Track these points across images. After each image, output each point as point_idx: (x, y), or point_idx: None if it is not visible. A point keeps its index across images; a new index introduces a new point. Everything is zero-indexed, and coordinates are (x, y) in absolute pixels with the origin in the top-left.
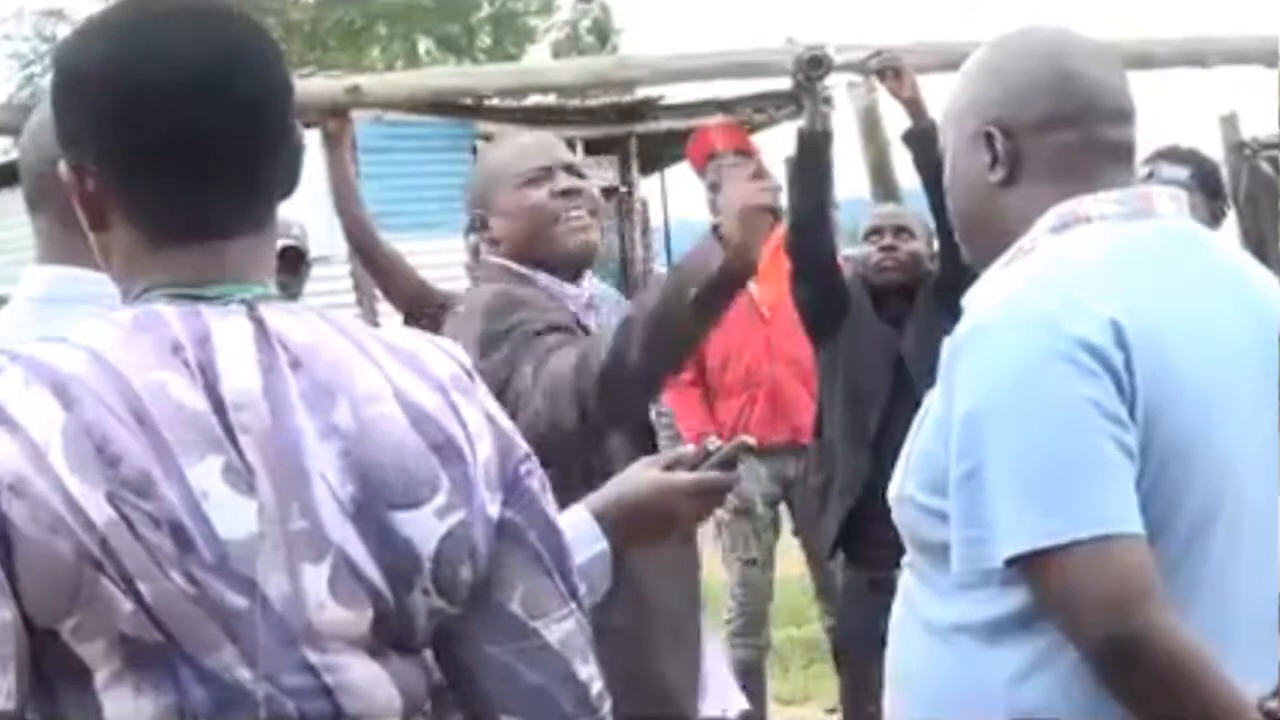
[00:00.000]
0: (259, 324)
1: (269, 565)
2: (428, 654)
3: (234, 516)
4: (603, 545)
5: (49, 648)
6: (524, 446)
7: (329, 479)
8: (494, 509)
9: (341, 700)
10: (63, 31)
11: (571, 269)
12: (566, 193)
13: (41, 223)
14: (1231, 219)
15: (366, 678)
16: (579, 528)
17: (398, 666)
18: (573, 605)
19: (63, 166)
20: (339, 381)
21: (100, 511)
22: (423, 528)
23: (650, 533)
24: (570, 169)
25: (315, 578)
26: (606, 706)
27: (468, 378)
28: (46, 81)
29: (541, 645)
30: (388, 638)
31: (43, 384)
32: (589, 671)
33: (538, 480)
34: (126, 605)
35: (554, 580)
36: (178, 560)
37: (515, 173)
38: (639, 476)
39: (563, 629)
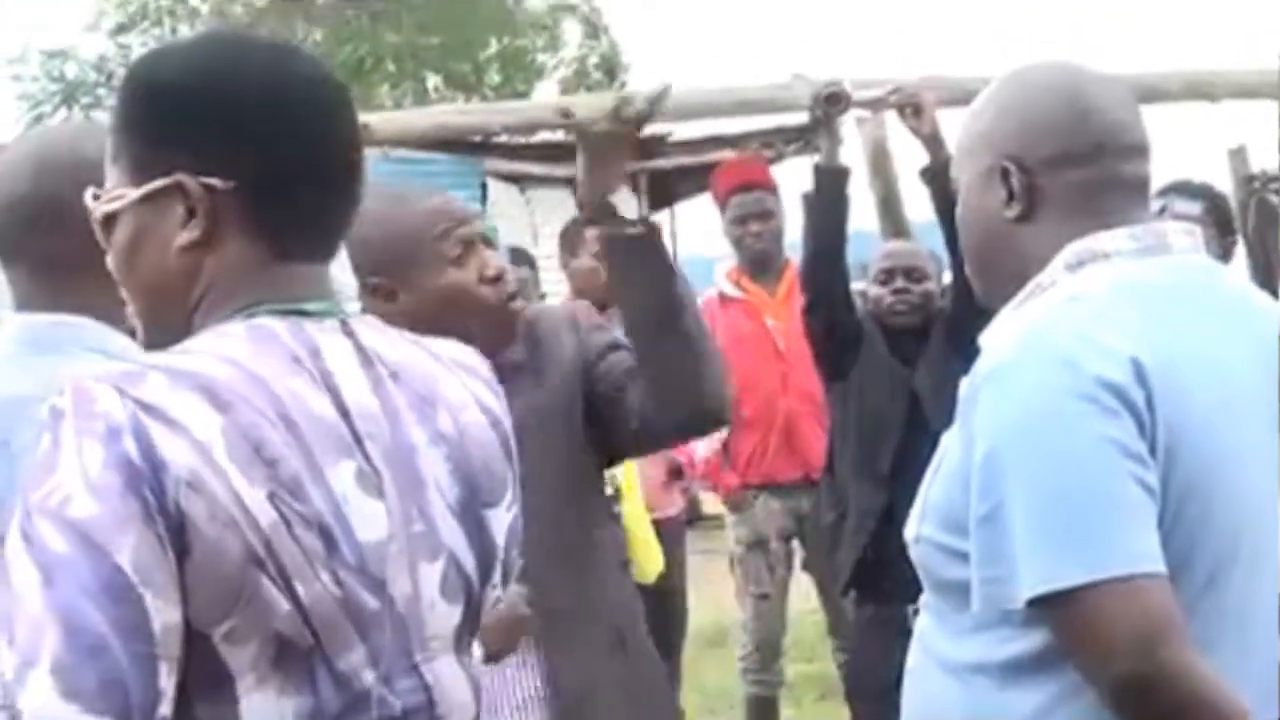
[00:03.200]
0: (354, 339)
1: (397, 567)
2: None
3: (369, 519)
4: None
5: (198, 656)
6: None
7: (440, 483)
8: (518, 507)
9: (436, 698)
10: (70, 71)
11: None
12: (496, 278)
13: (14, 273)
14: (1240, 252)
15: (452, 677)
16: None
17: (467, 665)
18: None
19: (89, 198)
20: (435, 392)
21: (264, 512)
22: (500, 522)
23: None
24: (487, 241)
25: (430, 577)
26: None
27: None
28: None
29: None
30: (465, 633)
31: (190, 389)
32: None
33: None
34: (284, 606)
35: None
36: (326, 561)
37: (437, 250)
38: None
39: None
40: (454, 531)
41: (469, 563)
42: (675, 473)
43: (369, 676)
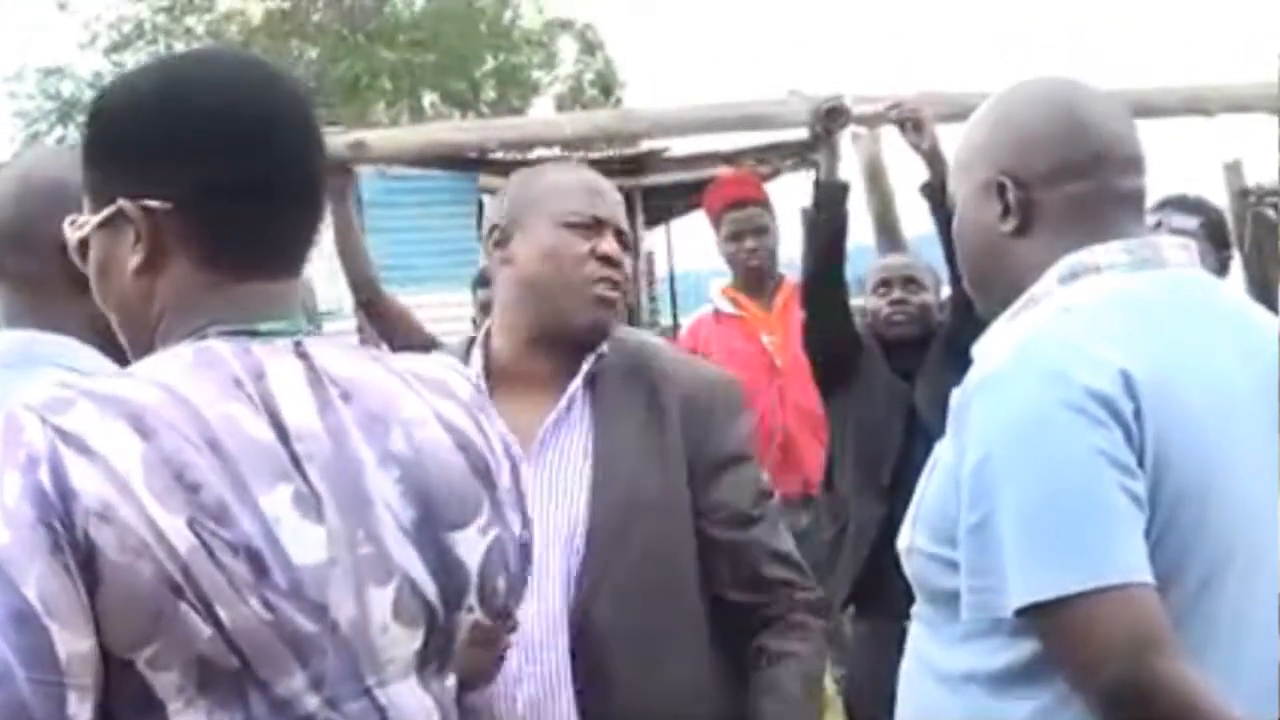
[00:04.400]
0: (306, 359)
1: (340, 591)
2: (452, 681)
3: (305, 543)
4: None
5: (123, 680)
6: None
7: (391, 503)
8: (517, 528)
9: None
10: (66, 89)
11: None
12: (607, 259)
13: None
14: (1237, 266)
15: (413, 703)
16: None
17: (437, 690)
18: None
19: (67, 225)
20: (388, 410)
21: (182, 538)
22: (471, 545)
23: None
24: (621, 236)
25: (381, 601)
26: None
27: (484, 398)
28: (52, 138)
29: None
30: (431, 658)
31: (116, 416)
32: None
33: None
34: (205, 630)
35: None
36: (254, 586)
37: (563, 209)
38: None
39: None
40: (408, 553)
41: (428, 586)
42: None
43: (312, 700)
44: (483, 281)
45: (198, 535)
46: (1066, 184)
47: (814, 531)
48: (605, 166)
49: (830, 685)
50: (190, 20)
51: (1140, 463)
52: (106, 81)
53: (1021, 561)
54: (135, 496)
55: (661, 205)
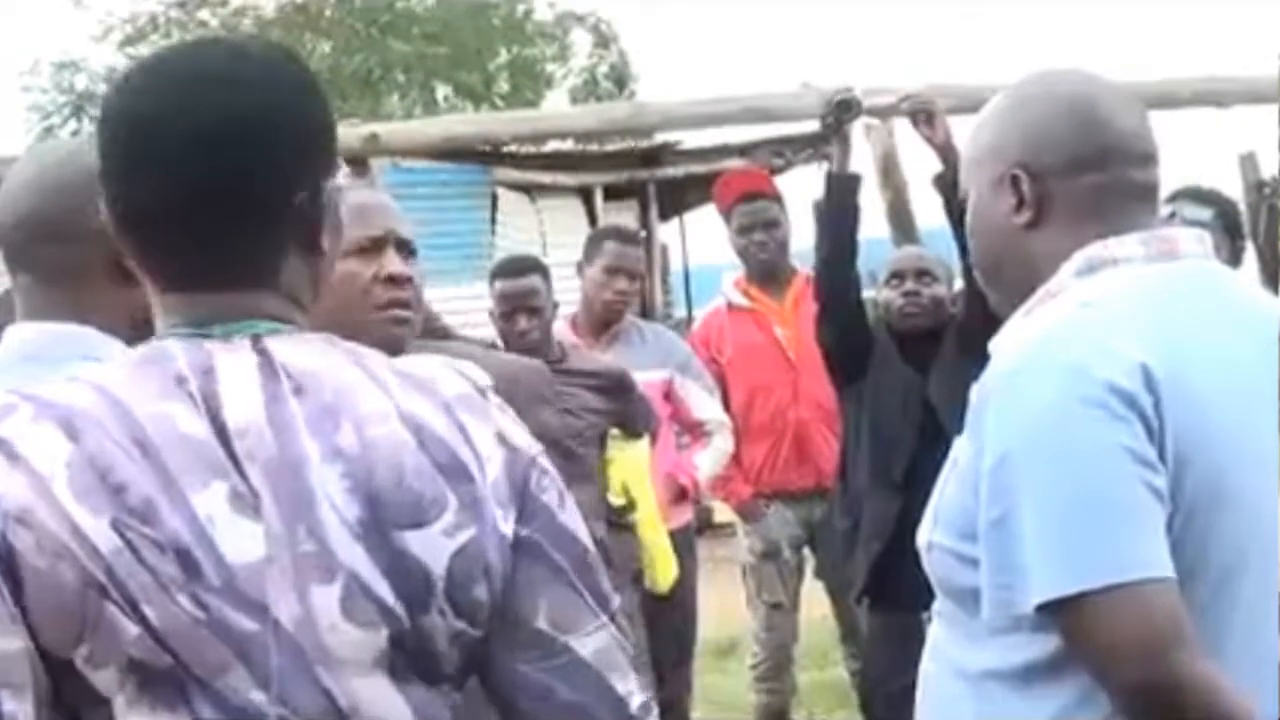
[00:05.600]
0: (264, 354)
1: (279, 588)
2: (455, 695)
3: (240, 540)
4: None
5: (67, 678)
6: (540, 461)
7: (335, 500)
8: (507, 526)
9: (349, 718)
10: (80, 83)
11: None
12: (391, 279)
13: (21, 280)
14: (1250, 257)
15: (381, 701)
16: None
17: (420, 696)
18: (603, 618)
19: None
20: (342, 404)
21: (105, 539)
22: (432, 546)
23: None
24: (404, 247)
25: (326, 599)
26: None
27: (480, 396)
28: (66, 132)
29: (574, 660)
30: (409, 663)
31: (50, 419)
32: (627, 686)
33: (555, 494)
34: (132, 630)
35: (580, 593)
36: (185, 584)
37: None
38: None
39: (595, 642)
40: (354, 552)
41: (380, 586)
42: (680, 494)
43: (259, 696)
44: (498, 274)
45: (122, 535)
46: (1081, 177)
47: (828, 523)
48: (619, 160)
49: (846, 678)
50: (204, 14)
51: (1161, 457)
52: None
53: (1042, 557)
54: (55, 499)
55: (675, 198)
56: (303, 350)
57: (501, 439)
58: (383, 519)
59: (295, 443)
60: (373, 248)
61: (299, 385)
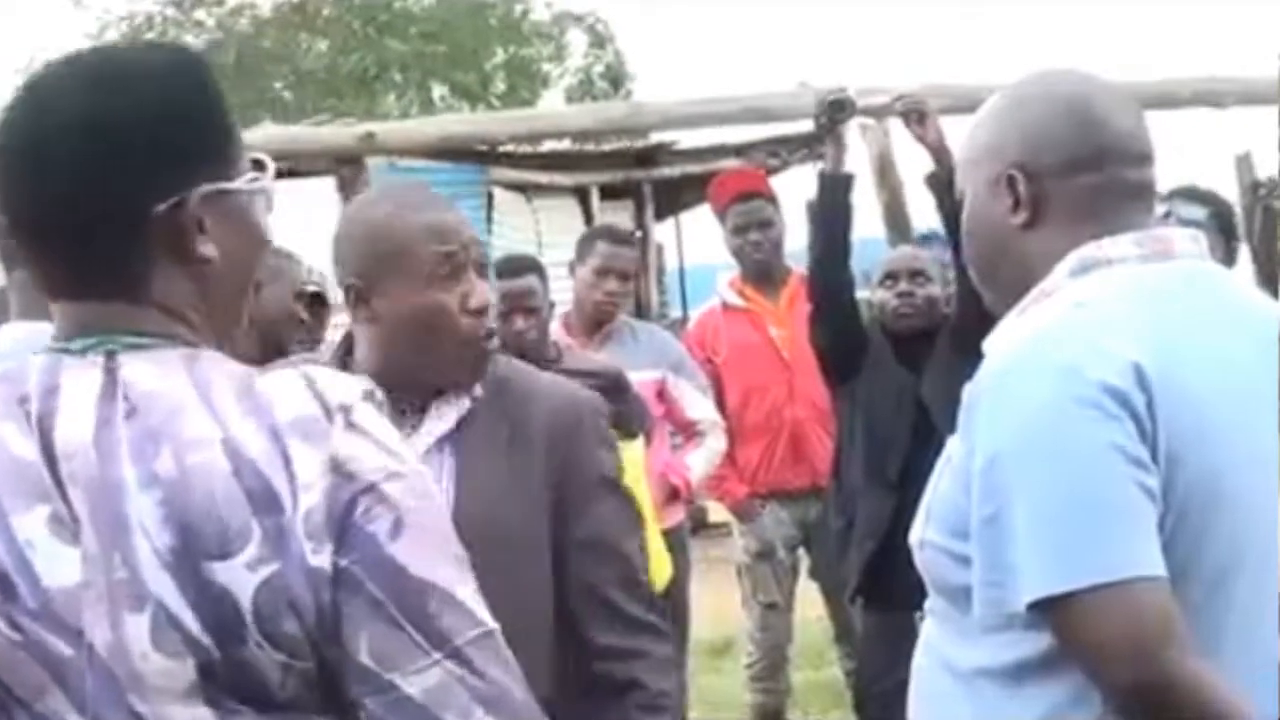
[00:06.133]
0: (110, 374)
1: (94, 614)
2: (311, 716)
3: (58, 565)
4: None
5: None
6: (383, 489)
7: (148, 528)
8: (320, 559)
9: None
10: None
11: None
12: (479, 311)
13: (16, 277)
14: (1245, 258)
15: None
16: None
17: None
18: (436, 655)
19: None
20: (166, 429)
21: None
22: (237, 579)
23: None
24: (478, 260)
25: (137, 628)
26: None
27: (324, 419)
28: None
29: (401, 698)
30: (230, 692)
31: None
32: None
33: (388, 523)
34: None
35: (403, 629)
36: (2, 606)
37: (422, 264)
38: None
39: (425, 680)
40: (163, 581)
41: (186, 616)
42: (672, 494)
43: None
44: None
45: None
46: (1077, 177)
47: (823, 523)
48: (615, 159)
49: (840, 677)
50: (200, 13)
51: (1153, 457)
52: None
53: (1034, 556)
54: None
55: (671, 198)
56: (152, 369)
57: (334, 465)
58: (193, 548)
59: (116, 468)
60: (454, 271)
61: (132, 408)
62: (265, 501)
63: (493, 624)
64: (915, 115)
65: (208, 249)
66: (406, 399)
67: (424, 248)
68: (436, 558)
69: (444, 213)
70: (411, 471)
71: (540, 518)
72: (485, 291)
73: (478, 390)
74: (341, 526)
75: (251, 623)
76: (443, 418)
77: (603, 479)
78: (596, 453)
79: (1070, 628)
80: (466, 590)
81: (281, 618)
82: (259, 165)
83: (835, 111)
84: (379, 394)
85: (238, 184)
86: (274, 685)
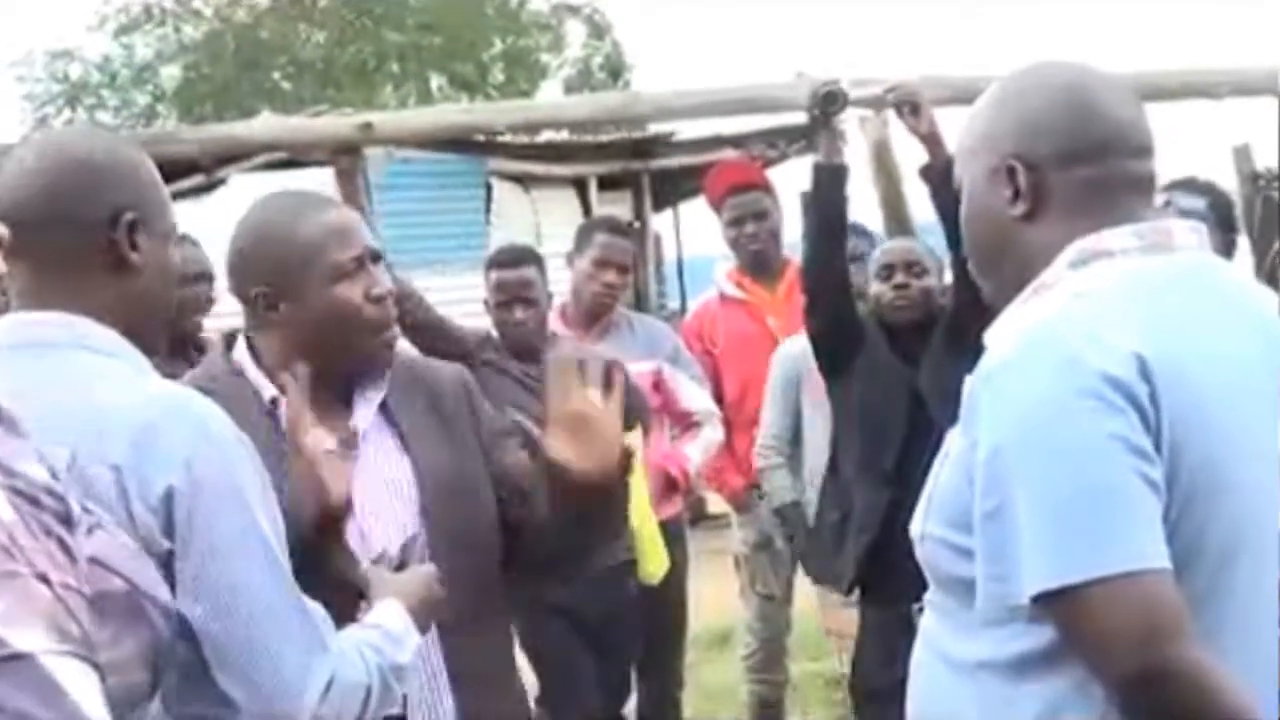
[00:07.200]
0: None
1: None
2: None
3: None
4: (417, 637)
5: None
6: None
7: None
8: None
9: None
10: (75, 72)
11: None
12: (381, 299)
13: (15, 271)
14: (1244, 249)
15: None
16: (397, 626)
17: None
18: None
19: None
20: None
21: None
22: None
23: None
24: (377, 258)
25: None
26: None
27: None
28: (61, 122)
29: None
30: None
31: None
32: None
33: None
34: None
35: None
36: None
37: (327, 266)
38: (412, 576)
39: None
40: None
41: None
42: (670, 485)
43: None
44: (494, 264)
45: None
46: (1075, 168)
47: (820, 515)
48: (613, 150)
49: (838, 669)
50: (198, 3)
51: (1156, 447)
52: (115, 64)
53: (1036, 548)
54: None
55: (669, 189)
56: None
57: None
58: None
59: None
60: (356, 268)
61: None
62: None
63: (22, 647)
64: (908, 106)
65: None
66: (327, 395)
67: (330, 252)
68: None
69: (342, 213)
70: None
71: (479, 459)
72: (384, 279)
73: (387, 375)
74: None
75: None
76: (369, 401)
77: (503, 429)
78: (486, 407)
79: (1073, 620)
80: None
81: None
82: None
83: (828, 103)
84: None
85: None
86: None
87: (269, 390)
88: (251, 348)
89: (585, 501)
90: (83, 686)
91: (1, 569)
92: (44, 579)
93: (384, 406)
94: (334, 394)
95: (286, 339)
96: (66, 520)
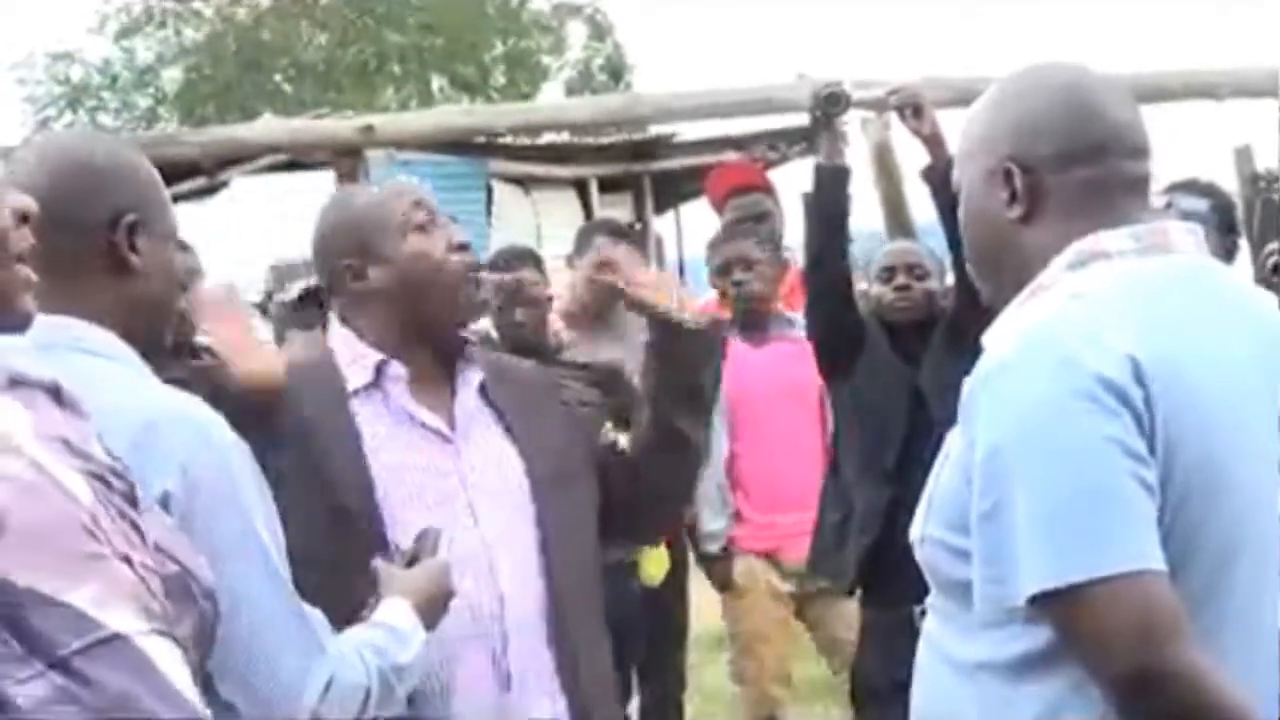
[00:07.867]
0: None
1: None
2: None
3: None
4: (424, 634)
5: None
6: None
7: None
8: None
9: None
10: (76, 74)
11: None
12: (463, 246)
13: None
14: (1245, 252)
15: None
16: (403, 625)
17: None
18: (41, 667)
19: None
20: None
21: None
22: None
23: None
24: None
25: None
26: None
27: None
28: (62, 124)
29: (14, 708)
30: None
31: None
32: None
33: None
34: None
35: (10, 643)
36: None
37: (400, 218)
38: (422, 571)
39: (35, 693)
40: None
41: None
42: None
43: None
44: (494, 265)
45: None
46: (1074, 170)
47: (821, 515)
48: (614, 152)
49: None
50: (199, 4)
51: (1151, 450)
52: (116, 66)
53: (1033, 549)
54: None
55: (670, 190)
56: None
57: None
58: None
59: None
60: (428, 222)
61: None
62: None
63: (117, 628)
64: (910, 108)
65: None
66: (434, 374)
67: (399, 209)
68: (40, 562)
69: (403, 183)
70: (17, 469)
71: (578, 446)
72: (458, 231)
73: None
74: None
75: None
76: (469, 383)
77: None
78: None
79: (1070, 621)
80: (82, 594)
81: None
82: None
83: (830, 105)
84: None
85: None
86: None
87: (361, 376)
88: (351, 329)
89: (688, 341)
90: (173, 663)
91: (88, 551)
92: (126, 560)
93: (483, 391)
94: (439, 376)
95: (382, 308)
96: (133, 501)
